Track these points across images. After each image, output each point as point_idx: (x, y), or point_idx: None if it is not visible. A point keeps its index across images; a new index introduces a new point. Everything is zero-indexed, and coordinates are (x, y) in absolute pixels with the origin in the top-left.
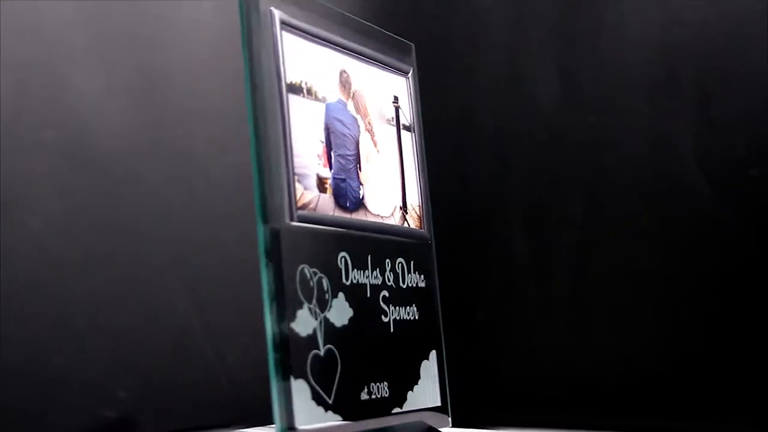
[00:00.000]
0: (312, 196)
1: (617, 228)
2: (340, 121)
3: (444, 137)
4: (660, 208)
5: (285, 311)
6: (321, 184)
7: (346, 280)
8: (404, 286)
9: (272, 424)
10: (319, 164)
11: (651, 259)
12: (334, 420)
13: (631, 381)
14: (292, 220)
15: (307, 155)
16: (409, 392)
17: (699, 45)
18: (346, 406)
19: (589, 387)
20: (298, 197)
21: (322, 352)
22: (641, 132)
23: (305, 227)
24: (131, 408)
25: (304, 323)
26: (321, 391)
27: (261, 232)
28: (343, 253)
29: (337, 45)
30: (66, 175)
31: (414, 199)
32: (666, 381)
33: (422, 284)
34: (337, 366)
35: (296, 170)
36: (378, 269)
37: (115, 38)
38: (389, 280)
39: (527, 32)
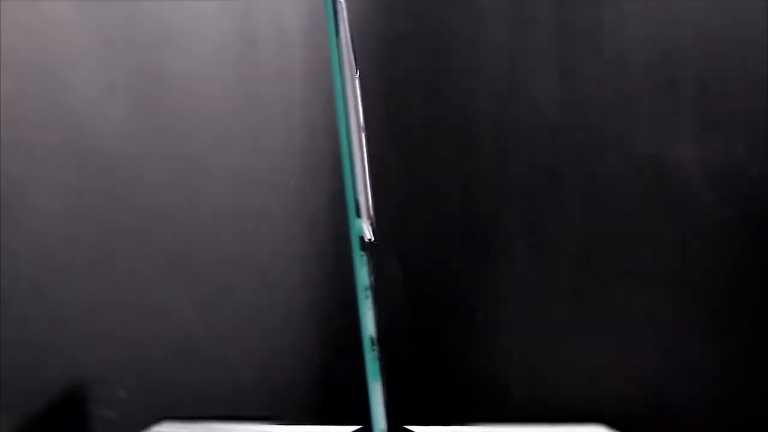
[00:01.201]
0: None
1: (617, 228)
2: None
3: (444, 137)
4: (660, 208)
5: (373, 309)
6: None
7: (370, 277)
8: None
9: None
10: None
11: (651, 259)
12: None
13: (631, 381)
14: (367, 217)
15: None
16: None
17: (699, 45)
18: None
19: (589, 387)
20: None
21: (377, 352)
22: (641, 132)
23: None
24: (131, 407)
25: (374, 322)
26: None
27: (356, 227)
28: (367, 252)
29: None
30: (66, 175)
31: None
32: (666, 381)
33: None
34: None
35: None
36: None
37: (115, 38)
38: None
39: (527, 32)
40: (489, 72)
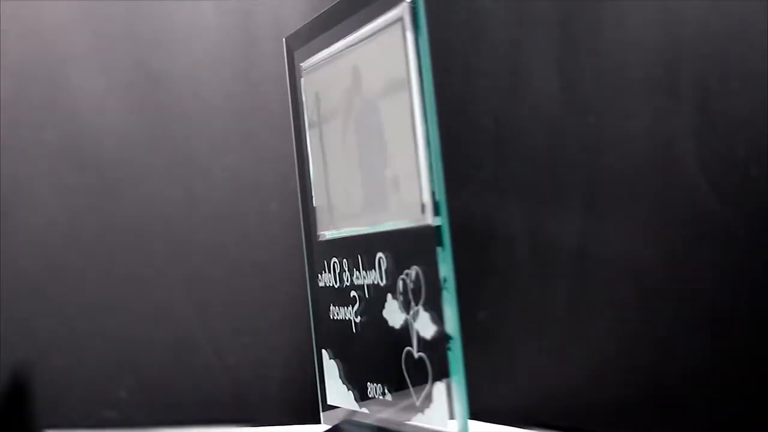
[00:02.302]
0: None
1: (617, 228)
2: None
3: (444, 137)
4: (660, 208)
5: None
6: None
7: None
8: None
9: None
10: None
11: (651, 259)
12: None
13: (631, 382)
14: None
15: None
16: None
17: (699, 45)
18: None
19: (590, 387)
20: None
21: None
22: (641, 132)
23: None
24: (131, 408)
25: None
26: None
27: (444, 224)
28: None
29: None
30: (66, 175)
31: None
32: (667, 382)
33: None
34: None
35: None
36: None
37: (115, 38)
38: None
39: (527, 32)
40: (489, 71)
